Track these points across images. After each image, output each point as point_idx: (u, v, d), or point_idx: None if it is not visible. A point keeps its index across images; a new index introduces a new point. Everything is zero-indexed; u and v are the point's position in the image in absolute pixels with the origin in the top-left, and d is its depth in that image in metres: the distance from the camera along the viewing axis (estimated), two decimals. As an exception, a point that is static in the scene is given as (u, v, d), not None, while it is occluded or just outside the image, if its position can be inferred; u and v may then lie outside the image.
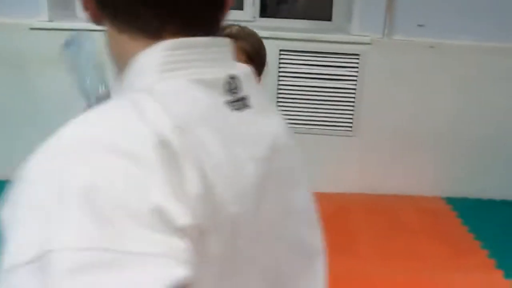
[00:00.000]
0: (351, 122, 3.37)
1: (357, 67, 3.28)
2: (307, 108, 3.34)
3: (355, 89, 3.31)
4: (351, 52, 3.26)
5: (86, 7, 0.65)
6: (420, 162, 3.44)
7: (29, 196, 0.48)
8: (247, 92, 0.65)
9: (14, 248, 0.46)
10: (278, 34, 3.21)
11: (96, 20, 0.65)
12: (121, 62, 0.62)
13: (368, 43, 3.25)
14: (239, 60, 0.83)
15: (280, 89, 3.31)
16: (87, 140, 0.51)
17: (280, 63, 3.26)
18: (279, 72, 3.27)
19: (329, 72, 3.28)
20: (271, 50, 2.83)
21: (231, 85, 0.63)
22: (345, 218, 3.15)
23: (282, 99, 3.32)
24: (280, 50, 3.24)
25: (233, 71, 0.64)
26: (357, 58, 3.27)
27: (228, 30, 1.50)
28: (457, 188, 3.47)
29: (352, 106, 3.35)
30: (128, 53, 0.60)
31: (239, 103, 0.63)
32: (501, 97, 3.31)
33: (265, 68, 1.60)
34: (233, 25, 1.54)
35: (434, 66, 3.28)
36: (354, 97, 3.33)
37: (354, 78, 3.30)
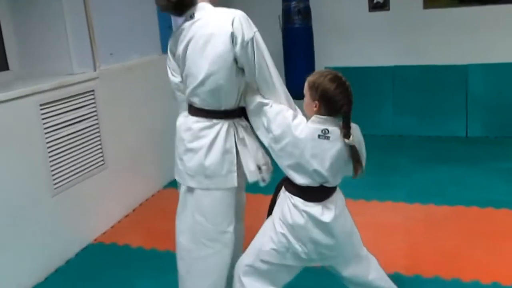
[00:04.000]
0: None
1: (94, 103, 3.41)
2: (73, 155, 3.21)
3: (97, 123, 3.43)
4: (87, 90, 3.34)
5: None
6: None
7: None
8: None
9: None
10: (36, 88, 2.92)
11: None
12: None
13: (97, 77, 3.44)
14: None
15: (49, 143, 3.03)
16: None
17: (43, 118, 2.97)
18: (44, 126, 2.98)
19: (78, 115, 3.26)
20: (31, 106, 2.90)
21: None
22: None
23: (53, 153, 3.04)
24: (40, 105, 2.95)
25: None
26: (92, 94, 3.39)
27: None
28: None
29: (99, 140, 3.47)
30: None
31: None
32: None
33: None
34: None
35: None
36: (98, 131, 3.45)
37: (95, 113, 3.41)
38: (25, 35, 3.34)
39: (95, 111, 3.41)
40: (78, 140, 3.25)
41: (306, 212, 2.00)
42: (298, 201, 2.01)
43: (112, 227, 3.55)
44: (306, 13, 4.47)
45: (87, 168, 3.34)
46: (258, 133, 2.12)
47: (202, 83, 2.07)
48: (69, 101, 3.17)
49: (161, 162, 4.13)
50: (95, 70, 3.48)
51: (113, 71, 3.65)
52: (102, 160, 3.49)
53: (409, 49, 5.25)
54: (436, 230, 3.21)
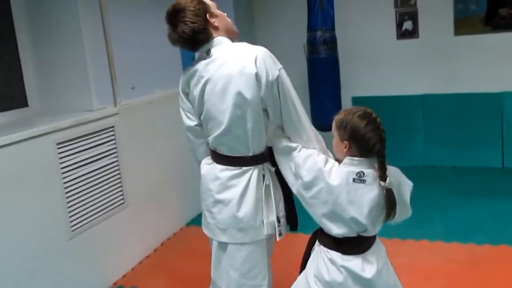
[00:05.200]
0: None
1: (114, 139, 3.28)
2: (92, 195, 3.08)
3: (117, 161, 3.31)
4: (106, 127, 3.22)
5: None
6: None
7: None
8: None
9: None
10: (53, 126, 2.80)
11: None
12: None
13: (117, 113, 3.33)
14: None
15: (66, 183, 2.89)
16: None
17: (60, 157, 2.84)
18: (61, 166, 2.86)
19: (96, 152, 3.13)
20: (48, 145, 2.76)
21: None
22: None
23: (70, 193, 2.91)
24: (58, 144, 2.83)
25: None
26: (112, 130, 3.27)
27: None
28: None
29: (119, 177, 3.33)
30: None
31: None
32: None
33: None
34: None
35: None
36: (118, 169, 3.32)
37: (115, 150, 3.29)
38: (44, 71, 3.25)
39: (115, 148, 3.29)
40: (97, 178, 3.12)
41: (344, 267, 1.79)
42: (335, 255, 1.82)
43: (132, 269, 3.38)
44: (332, 43, 4.32)
45: (106, 207, 3.20)
46: (286, 178, 1.94)
47: (227, 129, 1.91)
48: (88, 139, 3.05)
49: (184, 199, 3.98)
50: (115, 105, 3.38)
51: (134, 106, 3.55)
52: (122, 199, 3.35)
53: (440, 77, 5.04)
54: (479, 273, 2.95)
